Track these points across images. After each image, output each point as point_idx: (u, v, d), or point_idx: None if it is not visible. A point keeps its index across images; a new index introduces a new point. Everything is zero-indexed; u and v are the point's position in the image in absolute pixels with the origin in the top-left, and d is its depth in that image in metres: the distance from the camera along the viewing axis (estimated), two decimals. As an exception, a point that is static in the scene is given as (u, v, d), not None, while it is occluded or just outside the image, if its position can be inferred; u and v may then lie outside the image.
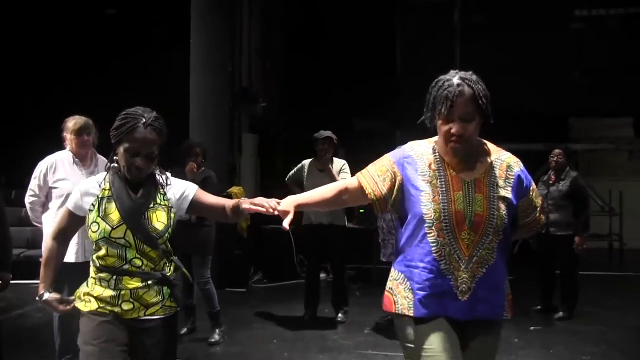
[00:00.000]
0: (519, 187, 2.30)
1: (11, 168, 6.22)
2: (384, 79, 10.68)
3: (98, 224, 2.38)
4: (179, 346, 2.68)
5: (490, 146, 2.35)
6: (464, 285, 2.21)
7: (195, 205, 2.54)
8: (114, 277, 2.38)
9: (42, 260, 2.58)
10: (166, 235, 2.45)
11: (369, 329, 5.68)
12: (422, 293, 2.24)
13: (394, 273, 2.36)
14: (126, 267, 2.38)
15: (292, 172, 6.01)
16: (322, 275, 6.85)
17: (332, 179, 5.39)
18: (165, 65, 9.07)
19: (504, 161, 2.31)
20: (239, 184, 8.04)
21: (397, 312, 2.31)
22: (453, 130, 2.19)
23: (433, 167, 2.27)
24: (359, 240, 7.78)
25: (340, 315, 5.99)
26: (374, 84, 10.23)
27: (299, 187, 5.68)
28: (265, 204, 2.36)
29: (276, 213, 2.36)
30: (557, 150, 6.09)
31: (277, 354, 5.00)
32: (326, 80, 10.35)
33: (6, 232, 3.75)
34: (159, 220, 2.44)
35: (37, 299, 2.53)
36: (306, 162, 5.91)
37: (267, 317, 6.21)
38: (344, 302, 6.05)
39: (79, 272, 2.94)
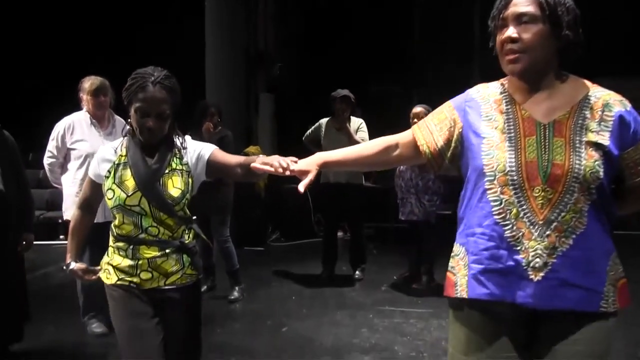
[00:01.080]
0: (622, 131, 1.67)
1: (28, 130, 6.24)
2: (400, 40, 10.48)
3: (113, 190, 2.30)
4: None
5: (583, 81, 1.79)
6: (538, 260, 1.64)
7: (212, 166, 2.36)
8: (131, 247, 2.30)
9: (69, 229, 2.53)
10: (183, 201, 2.32)
11: (386, 286, 5.73)
12: (477, 267, 1.72)
13: (455, 247, 1.85)
14: (142, 235, 2.29)
15: (309, 131, 5.97)
16: (340, 234, 6.88)
17: (350, 137, 5.38)
18: (179, 27, 8.96)
19: (600, 98, 1.71)
20: (256, 144, 8.03)
21: (456, 295, 1.79)
22: (504, 35, 1.70)
23: (500, 108, 1.77)
24: (376, 198, 7.79)
25: (357, 272, 6.04)
26: (391, 46, 10.06)
27: (316, 146, 5.65)
28: (276, 162, 1.99)
29: (287, 173, 1.98)
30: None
31: (296, 310, 5.06)
32: (342, 41, 10.18)
33: (28, 195, 3.81)
34: (175, 186, 2.31)
35: (64, 267, 2.50)
36: (323, 121, 5.86)
37: (285, 275, 6.28)
38: (361, 259, 6.09)
39: (99, 233, 2.93)
